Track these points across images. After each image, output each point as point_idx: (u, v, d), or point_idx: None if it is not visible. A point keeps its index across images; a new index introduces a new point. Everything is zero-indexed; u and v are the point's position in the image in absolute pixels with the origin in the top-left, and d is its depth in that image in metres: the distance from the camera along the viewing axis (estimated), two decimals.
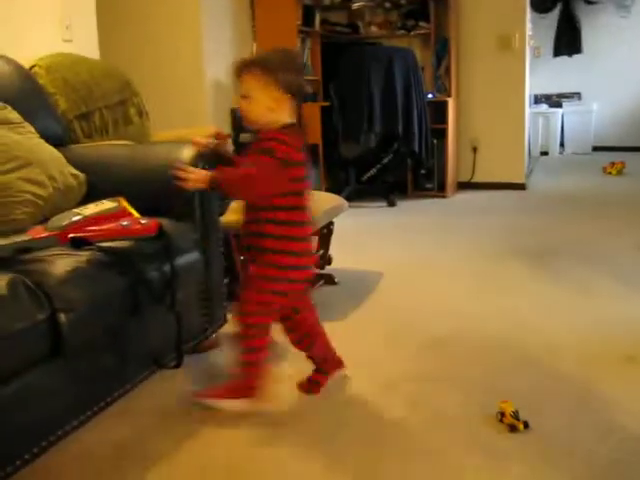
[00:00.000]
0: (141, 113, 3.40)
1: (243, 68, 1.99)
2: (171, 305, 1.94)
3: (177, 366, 2.02)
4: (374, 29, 6.35)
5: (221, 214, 2.45)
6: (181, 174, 1.90)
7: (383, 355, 2.53)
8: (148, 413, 2.12)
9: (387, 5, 6.16)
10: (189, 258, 2.12)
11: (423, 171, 5.95)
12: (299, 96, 1.98)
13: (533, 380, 2.29)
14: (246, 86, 1.97)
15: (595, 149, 8.66)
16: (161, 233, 1.96)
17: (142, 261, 1.87)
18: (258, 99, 1.95)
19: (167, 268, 1.96)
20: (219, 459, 1.85)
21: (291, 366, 2.36)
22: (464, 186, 6.32)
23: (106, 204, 2.05)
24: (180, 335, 2.02)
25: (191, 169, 1.92)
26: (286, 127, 1.97)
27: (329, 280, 3.39)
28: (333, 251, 3.45)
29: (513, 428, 1.94)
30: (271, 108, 1.95)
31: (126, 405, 2.07)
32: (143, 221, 2.00)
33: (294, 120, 2.00)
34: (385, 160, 5.72)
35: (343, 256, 3.68)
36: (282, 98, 1.94)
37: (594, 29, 8.72)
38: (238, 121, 5.09)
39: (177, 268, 1.98)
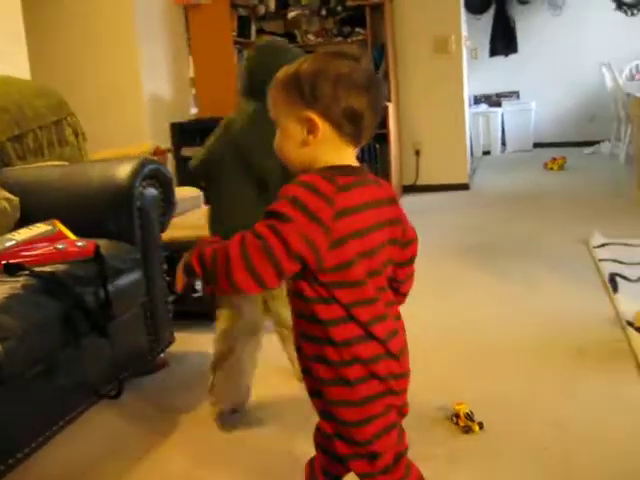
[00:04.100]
0: (77, 133, 3.33)
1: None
2: (105, 332, 1.87)
3: (117, 396, 1.94)
4: (311, 37, 6.35)
5: (162, 231, 2.40)
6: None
7: None
8: (99, 436, 2.07)
9: (323, 13, 6.17)
10: (130, 278, 2.08)
11: None
12: (354, 126, 1.25)
13: (486, 378, 2.31)
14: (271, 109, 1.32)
15: (536, 146, 8.80)
16: (98, 255, 1.91)
17: (79, 285, 1.82)
18: (286, 128, 1.28)
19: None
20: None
21: None
22: (409, 189, 6.35)
23: (41, 227, 2.00)
24: (117, 363, 1.95)
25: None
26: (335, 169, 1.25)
27: None
28: None
29: (468, 429, 1.94)
30: (303, 141, 1.26)
31: (75, 430, 2.02)
32: (80, 243, 1.95)
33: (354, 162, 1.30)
34: None
35: None
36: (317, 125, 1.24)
37: (529, 28, 8.87)
38: (178, 135, 5.04)
39: (116, 290, 1.94)
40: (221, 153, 2.10)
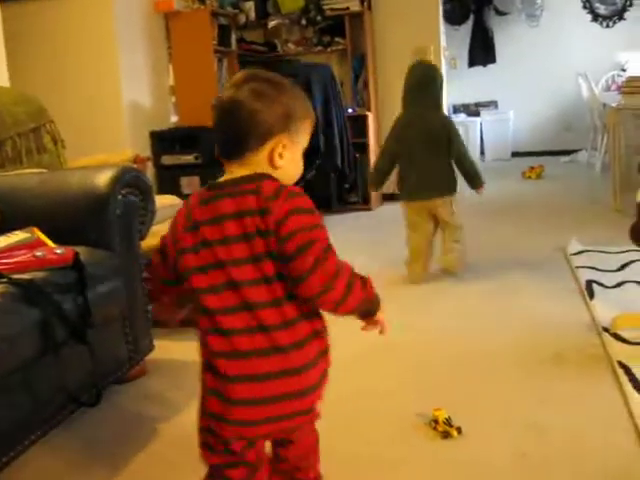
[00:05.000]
0: (56, 140, 3.33)
1: None
2: (84, 339, 1.86)
3: (95, 404, 1.93)
4: (291, 46, 6.37)
5: (142, 238, 2.39)
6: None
7: None
8: (77, 445, 2.06)
9: (303, 22, 6.20)
10: (109, 286, 2.07)
11: (347, 185, 5.98)
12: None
13: (466, 384, 2.32)
14: None
15: (514, 155, 8.87)
16: (78, 262, 1.91)
17: (58, 293, 1.81)
18: None
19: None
20: None
21: None
22: (389, 198, 6.36)
23: (19, 235, 1.99)
24: (96, 371, 1.92)
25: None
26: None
27: None
28: None
29: (447, 435, 1.95)
30: None
31: (51, 439, 2.01)
32: (58, 251, 1.94)
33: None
34: (308, 176, 5.72)
35: None
36: None
37: (506, 39, 8.95)
38: (158, 143, 5.04)
39: (95, 298, 1.93)
40: None
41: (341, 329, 2.80)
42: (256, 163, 1.32)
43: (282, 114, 1.32)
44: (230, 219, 1.26)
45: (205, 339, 1.29)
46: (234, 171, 1.32)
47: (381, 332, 1.42)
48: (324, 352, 1.34)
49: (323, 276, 1.24)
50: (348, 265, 1.31)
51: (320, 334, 1.34)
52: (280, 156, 1.32)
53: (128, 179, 2.26)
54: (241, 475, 1.35)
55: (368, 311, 1.39)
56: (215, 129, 1.34)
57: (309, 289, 1.24)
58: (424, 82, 3.54)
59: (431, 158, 3.52)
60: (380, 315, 1.41)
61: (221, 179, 1.33)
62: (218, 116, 1.34)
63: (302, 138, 1.38)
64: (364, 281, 1.34)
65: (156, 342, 2.48)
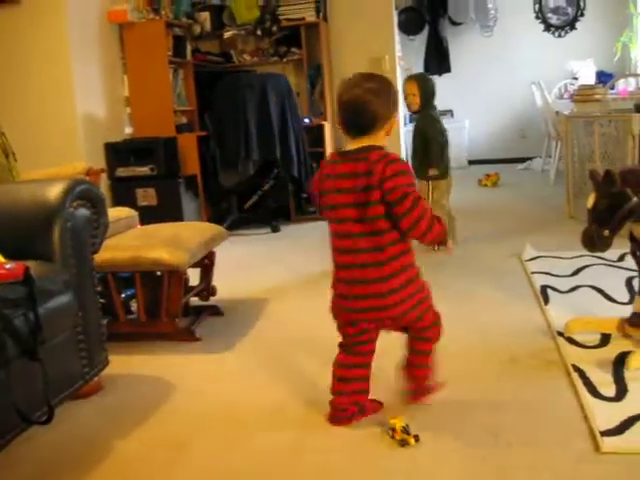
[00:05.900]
0: (7, 153, 3.27)
1: None
2: (35, 355, 1.83)
3: (47, 421, 1.89)
4: (247, 57, 6.38)
5: (95, 252, 2.36)
6: None
7: (273, 380, 2.51)
8: (29, 463, 2.02)
9: (258, 33, 6.20)
10: (60, 301, 2.03)
11: (305, 195, 5.98)
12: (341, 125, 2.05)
13: None
14: None
15: (470, 163, 8.97)
16: (28, 277, 1.87)
17: (7, 308, 1.77)
18: None
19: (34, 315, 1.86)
20: None
21: None
22: None
23: None
24: (48, 388, 1.88)
25: None
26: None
27: (214, 311, 3.33)
28: (217, 282, 3.40)
29: (404, 443, 1.95)
30: None
31: (2, 460, 1.96)
32: (8, 266, 1.90)
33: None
34: (266, 187, 5.72)
35: (228, 286, 3.64)
36: None
37: (461, 49, 9.08)
38: (112, 155, 4.98)
39: (46, 313, 1.90)
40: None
41: (296, 337, 2.79)
42: (373, 138, 1.96)
43: (391, 103, 1.97)
44: (345, 177, 1.95)
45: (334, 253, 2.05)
46: (359, 142, 1.96)
47: (449, 253, 2.30)
48: (406, 267, 2.01)
49: (411, 219, 1.90)
50: (430, 210, 1.94)
51: (405, 253, 2.00)
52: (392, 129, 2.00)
53: (79, 192, 2.23)
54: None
55: (441, 240, 2.08)
56: (341, 117, 1.99)
57: (403, 226, 1.91)
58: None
59: (423, 148, 4.37)
60: (450, 243, 2.22)
61: (345, 149, 2.00)
62: (344, 110, 1.98)
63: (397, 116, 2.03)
64: (439, 219, 1.97)
65: (112, 357, 2.44)
